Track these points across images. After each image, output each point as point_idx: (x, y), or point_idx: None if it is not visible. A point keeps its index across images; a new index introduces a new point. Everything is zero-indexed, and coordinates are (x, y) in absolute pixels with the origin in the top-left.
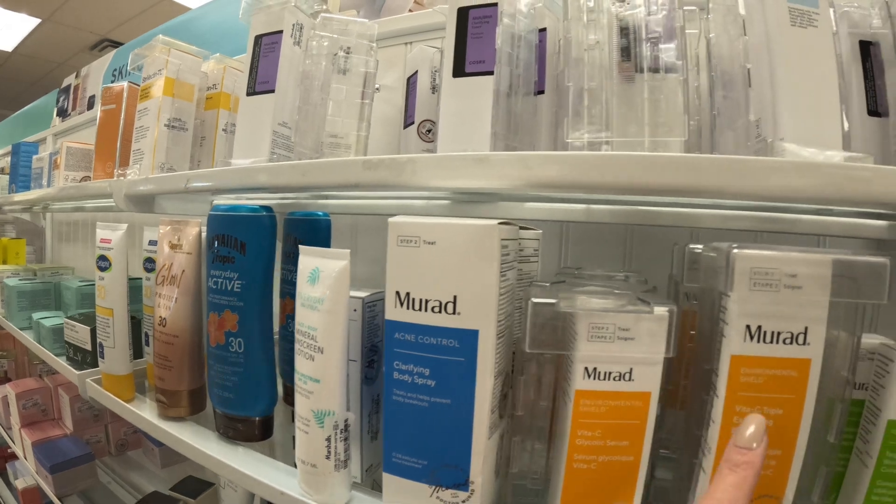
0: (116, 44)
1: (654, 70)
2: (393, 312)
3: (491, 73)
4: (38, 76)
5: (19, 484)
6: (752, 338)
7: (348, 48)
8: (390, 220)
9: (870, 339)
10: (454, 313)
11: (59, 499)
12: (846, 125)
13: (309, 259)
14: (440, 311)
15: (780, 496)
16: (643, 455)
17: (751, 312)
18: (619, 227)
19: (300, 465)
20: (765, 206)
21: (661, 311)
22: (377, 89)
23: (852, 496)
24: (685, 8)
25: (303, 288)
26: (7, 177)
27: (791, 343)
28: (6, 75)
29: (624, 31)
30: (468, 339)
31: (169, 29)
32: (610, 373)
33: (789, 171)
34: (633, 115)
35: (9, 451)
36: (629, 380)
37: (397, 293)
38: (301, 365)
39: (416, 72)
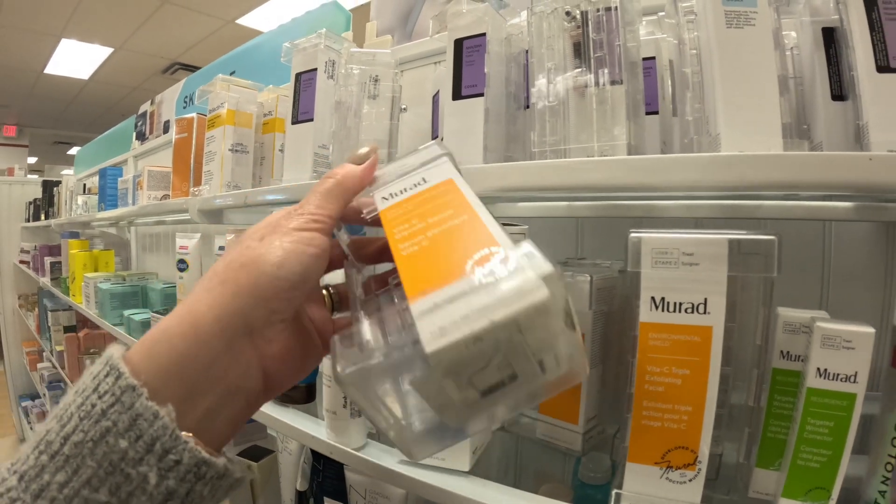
0: (187, 66)
1: (600, 84)
2: None
3: (482, 94)
4: (115, 100)
5: None
6: (657, 307)
7: (376, 76)
8: None
9: (804, 314)
10: None
11: None
12: (786, 116)
13: None
14: None
15: (695, 448)
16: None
17: (655, 286)
18: (629, 220)
19: (326, 414)
20: (726, 195)
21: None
22: (404, 109)
23: (787, 461)
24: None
25: None
26: (94, 196)
27: (692, 312)
28: (85, 101)
29: (577, 49)
30: None
31: (241, 54)
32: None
33: (695, 165)
34: (584, 125)
35: None
36: None
37: None
38: None
39: (438, 91)
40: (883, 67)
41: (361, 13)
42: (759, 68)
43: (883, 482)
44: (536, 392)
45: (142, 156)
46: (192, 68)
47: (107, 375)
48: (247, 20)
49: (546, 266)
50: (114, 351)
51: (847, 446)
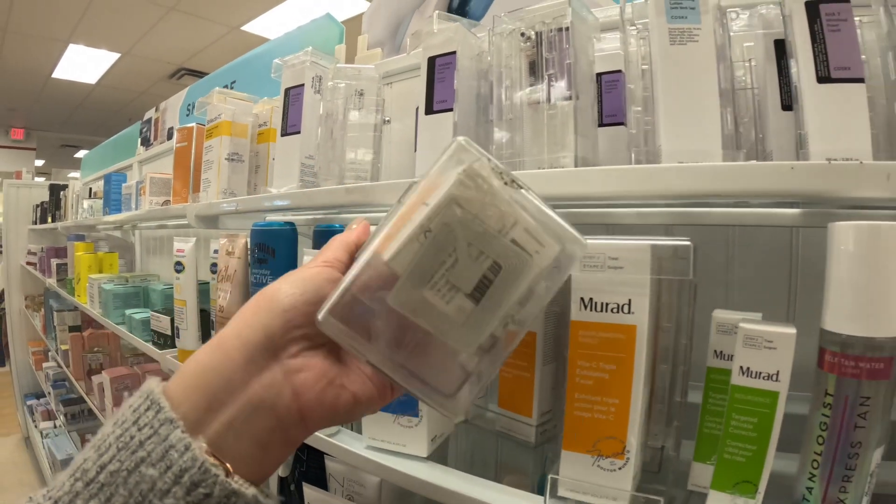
0: (193, 72)
1: (552, 100)
2: None
3: (452, 109)
4: (122, 104)
5: None
6: (586, 307)
7: (361, 90)
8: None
9: (736, 315)
10: None
11: None
12: (729, 127)
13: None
14: None
15: (623, 438)
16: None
17: (584, 288)
18: (602, 227)
19: None
20: (676, 203)
21: None
22: (387, 121)
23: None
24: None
25: None
26: (99, 200)
27: (618, 312)
28: (92, 105)
29: (532, 67)
30: None
31: (242, 64)
32: None
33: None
34: (536, 138)
35: None
36: None
37: None
38: None
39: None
40: (823, 78)
41: (354, 24)
42: (700, 83)
43: (810, 479)
44: (538, 284)
45: (146, 161)
46: (198, 74)
47: (147, 409)
48: (252, 27)
49: (454, 145)
50: (153, 385)
51: (771, 442)
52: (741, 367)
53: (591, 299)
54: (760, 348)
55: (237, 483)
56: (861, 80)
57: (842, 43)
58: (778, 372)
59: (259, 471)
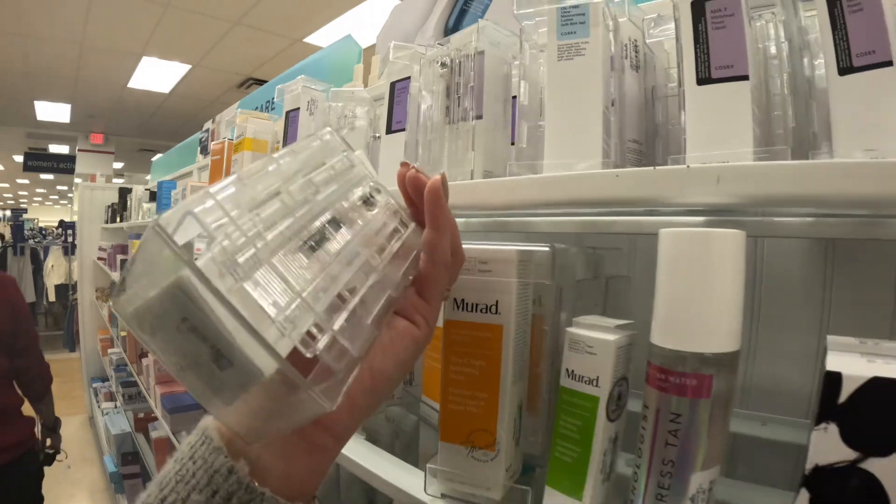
0: (260, 81)
1: (456, 120)
2: None
3: (405, 129)
4: (194, 113)
5: (154, 434)
6: (458, 307)
7: (354, 110)
8: None
9: (590, 320)
10: None
11: (174, 434)
12: (613, 139)
13: None
14: None
15: (493, 431)
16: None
17: (456, 289)
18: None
19: None
20: (588, 212)
21: None
22: (378, 138)
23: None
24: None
25: None
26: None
27: (486, 312)
28: (165, 113)
29: (448, 91)
30: None
31: (303, 68)
32: None
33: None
34: (443, 156)
35: (151, 415)
36: None
37: None
38: None
39: None
40: (703, 79)
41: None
42: (583, 96)
43: (632, 491)
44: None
45: (204, 168)
46: (265, 83)
47: (202, 444)
48: (313, 38)
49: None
50: (209, 422)
51: (595, 446)
52: (566, 370)
53: (462, 300)
54: (583, 353)
55: (283, 499)
56: (745, 78)
57: (726, 40)
58: (598, 378)
59: (291, 485)
